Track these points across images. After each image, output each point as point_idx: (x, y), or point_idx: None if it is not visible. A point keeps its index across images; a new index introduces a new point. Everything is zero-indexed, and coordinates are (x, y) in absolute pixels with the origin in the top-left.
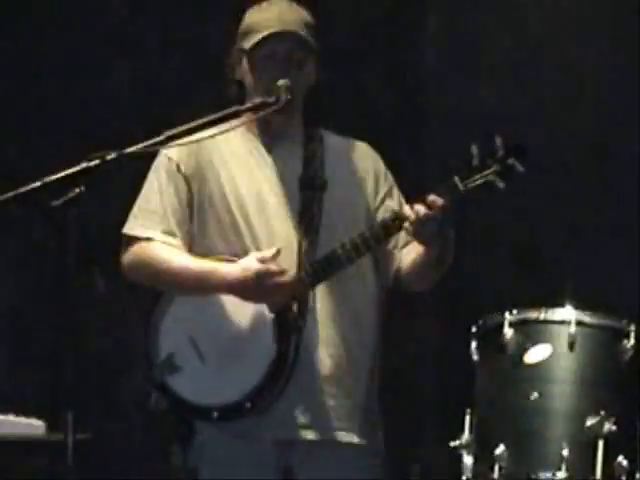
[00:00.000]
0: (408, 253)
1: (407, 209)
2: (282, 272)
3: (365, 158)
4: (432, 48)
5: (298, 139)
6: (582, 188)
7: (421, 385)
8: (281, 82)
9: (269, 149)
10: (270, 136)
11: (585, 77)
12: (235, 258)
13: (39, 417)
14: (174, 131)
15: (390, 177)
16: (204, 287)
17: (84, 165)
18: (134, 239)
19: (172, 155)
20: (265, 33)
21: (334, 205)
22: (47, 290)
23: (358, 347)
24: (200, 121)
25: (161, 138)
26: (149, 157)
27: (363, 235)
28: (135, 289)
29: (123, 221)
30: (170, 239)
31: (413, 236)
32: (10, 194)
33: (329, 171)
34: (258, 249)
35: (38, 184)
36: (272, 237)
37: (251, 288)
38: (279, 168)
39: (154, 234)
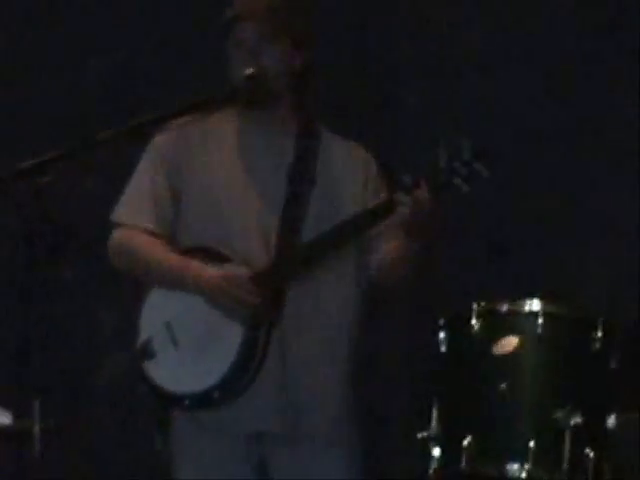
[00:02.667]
0: (386, 248)
1: (400, 194)
2: (251, 290)
3: (357, 159)
4: (402, 45)
5: (291, 132)
6: (549, 182)
7: (388, 376)
8: (244, 72)
9: (259, 139)
10: (261, 126)
11: (554, 74)
12: (222, 250)
13: (6, 406)
14: (142, 119)
15: (379, 181)
16: (176, 284)
17: (53, 154)
18: (119, 225)
19: (160, 142)
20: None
21: (321, 201)
22: (14, 279)
23: (332, 343)
24: (167, 111)
25: (129, 126)
26: (119, 146)
27: (351, 218)
28: (104, 278)
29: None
30: (154, 226)
31: (405, 221)
32: None
33: (320, 167)
34: (238, 239)
35: (6, 173)
36: (254, 228)
37: (220, 293)
38: (268, 160)
39: (138, 221)
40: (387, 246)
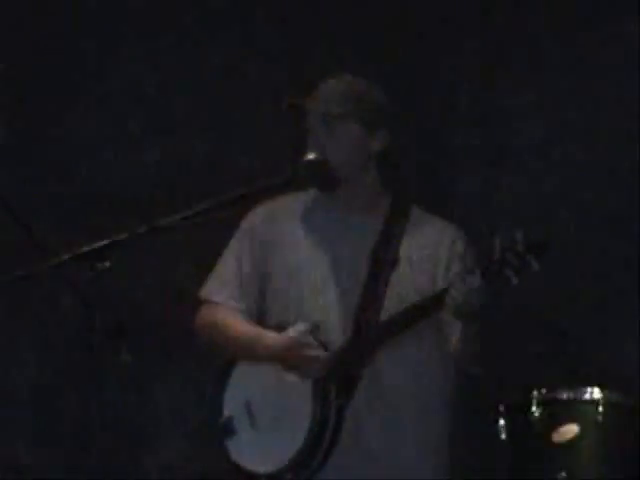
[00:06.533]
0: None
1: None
2: (312, 346)
3: (443, 239)
4: (460, 128)
5: (379, 211)
6: (609, 267)
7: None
8: (306, 157)
9: (341, 220)
10: (343, 208)
11: (614, 156)
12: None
13: None
14: (203, 205)
15: (468, 260)
16: (251, 354)
17: (113, 239)
18: (206, 302)
19: (250, 221)
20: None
21: (402, 284)
22: (74, 365)
23: (414, 422)
24: (224, 198)
25: (189, 213)
26: (178, 230)
27: (410, 306)
28: (161, 364)
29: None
30: (237, 304)
31: (452, 309)
32: (39, 267)
33: (405, 249)
34: (320, 320)
35: (67, 257)
36: (335, 310)
37: (287, 357)
38: (350, 241)
39: (222, 299)
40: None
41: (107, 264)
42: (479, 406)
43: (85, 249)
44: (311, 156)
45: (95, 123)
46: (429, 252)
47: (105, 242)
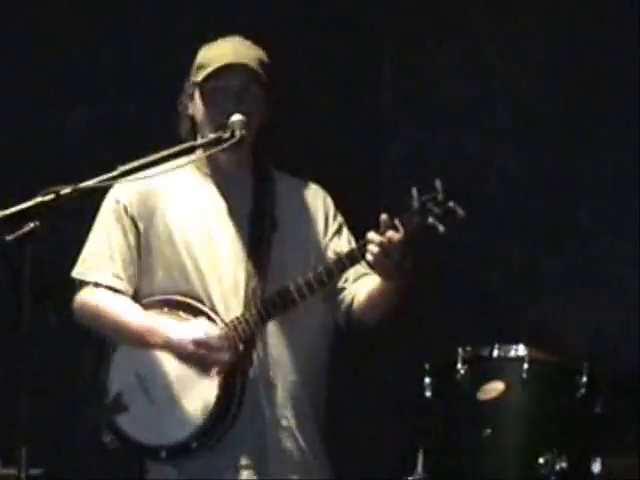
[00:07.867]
0: (362, 286)
1: (373, 234)
2: (221, 349)
3: (315, 198)
4: (387, 94)
5: (248, 178)
6: (533, 229)
7: (374, 421)
8: (235, 117)
9: (219, 187)
10: (220, 174)
11: (537, 122)
12: (191, 301)
13: None
14: (127, 167)
15: (339, 216)
16: (144, 343)
17: (38, 200)
18: (83, 283)
19: (119, 197)
20: (217, 65)
21: (284, 244)
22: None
23: (305, 388)
24: (154, 157)
25: (114, 173)
26: (103, 192)
27: (317, 271)
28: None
29: (77, 256)
30: (116, 282)
31: (375, 265)
32: None
33: (279, 210)
34: (205, 289)
35: None
36: (220, 277)
37: (188, 356)
38: (228, 207)
39: (100, 278)
40: (362, 286)
41: (32, 225)
42: (405, 364)
43: (10, 210)
44: (239, 117)
45: (23, 83)
46: (303, 211)
47: (30, 203)
